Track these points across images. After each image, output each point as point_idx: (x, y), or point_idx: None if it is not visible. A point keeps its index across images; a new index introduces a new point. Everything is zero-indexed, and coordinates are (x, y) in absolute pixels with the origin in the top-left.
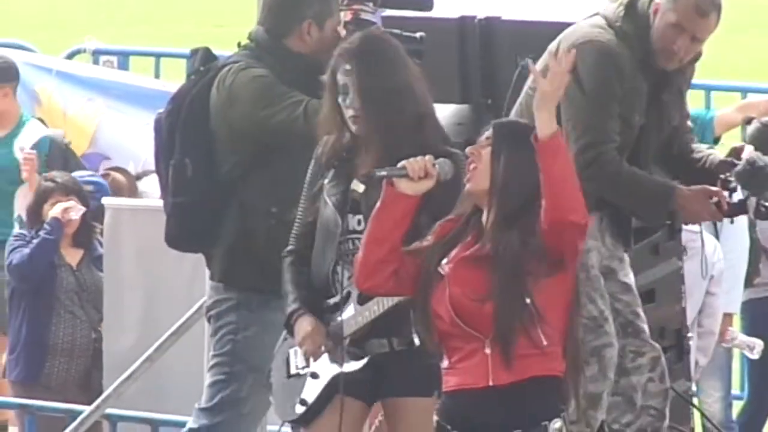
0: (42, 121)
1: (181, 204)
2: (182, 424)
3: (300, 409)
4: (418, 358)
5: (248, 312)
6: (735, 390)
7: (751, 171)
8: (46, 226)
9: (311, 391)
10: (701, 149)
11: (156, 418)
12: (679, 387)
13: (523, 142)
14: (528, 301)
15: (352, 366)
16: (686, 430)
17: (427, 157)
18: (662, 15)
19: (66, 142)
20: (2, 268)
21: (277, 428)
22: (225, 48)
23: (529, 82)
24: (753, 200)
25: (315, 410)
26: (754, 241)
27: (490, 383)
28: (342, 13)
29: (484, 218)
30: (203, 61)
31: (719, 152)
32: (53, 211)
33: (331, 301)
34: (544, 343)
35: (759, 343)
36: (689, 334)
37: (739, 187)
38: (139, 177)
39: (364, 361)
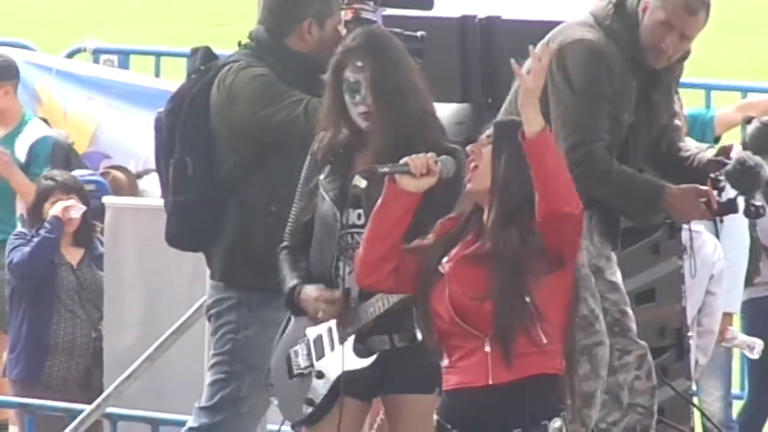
0: (45, 120)
1: (182, 203)
2: (182, 423)
3: (307, 410)
4: (419, 355)
5: (248, 311)
6: (735, 390)
7: (741, 170)
8: (46, 224)
9: (317, 391)
10: (689, 148)
11: (156, 417)
12: (679, 386)
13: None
14: (528, 299)
15: (359, 363)
16: (686, 429)
17: (430, 154)
18: (651, 13)
19: (69, 143)
20: (3, 266)
21: (277, 427)
22: (225, 47)
23: (517, 80)
24: (741, 199)
25: (322, 410)
26: (754, 240)
27: (490, 382)
28: (342, 12)
29: (484, 217)
30: (204, 61)
31: (709, 151)
32: (54, 209)
33: None
34: (544, 341)
35: (759, 343)
36: (689, 334)
37: (728, 186)
38: (139, 176)
39: (373, 358)
